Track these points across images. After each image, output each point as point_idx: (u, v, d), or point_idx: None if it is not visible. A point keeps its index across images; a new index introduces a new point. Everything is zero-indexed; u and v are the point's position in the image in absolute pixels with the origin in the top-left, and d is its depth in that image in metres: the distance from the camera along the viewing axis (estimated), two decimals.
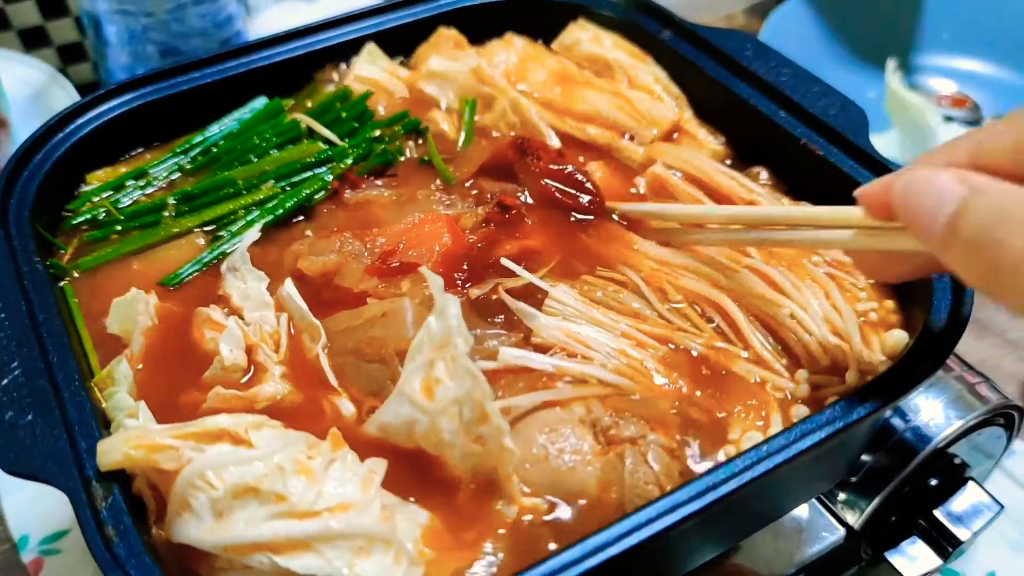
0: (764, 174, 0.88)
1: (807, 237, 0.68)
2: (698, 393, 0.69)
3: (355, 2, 1.02)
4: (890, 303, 0.74)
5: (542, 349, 0.70)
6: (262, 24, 1.43)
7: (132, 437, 0.56)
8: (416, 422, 0.59)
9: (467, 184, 0.86)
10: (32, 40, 1.42)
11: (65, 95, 1.26)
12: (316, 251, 0.76)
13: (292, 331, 0.71)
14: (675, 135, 0.93)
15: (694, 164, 0.87)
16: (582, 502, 0.60)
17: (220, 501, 0.53)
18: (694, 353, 0.71)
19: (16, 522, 0.95)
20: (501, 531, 0.59)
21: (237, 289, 0.73)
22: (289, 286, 0.70)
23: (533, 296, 0.74)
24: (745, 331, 0.73)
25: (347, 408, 0.66)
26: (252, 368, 0.68)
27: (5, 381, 0.60)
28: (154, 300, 0.72)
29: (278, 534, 0.53)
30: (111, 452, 0.56)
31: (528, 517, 0.60)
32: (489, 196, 0.83)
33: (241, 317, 0.71)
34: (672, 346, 0.71)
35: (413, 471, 0.61)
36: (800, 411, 0.68)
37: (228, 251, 0.78)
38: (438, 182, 0.87)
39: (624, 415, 0.64)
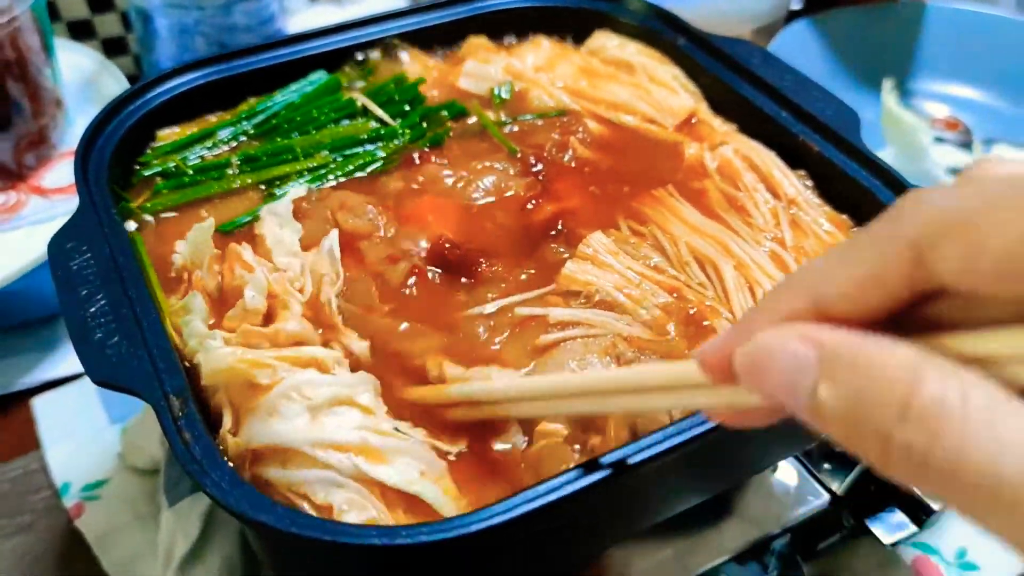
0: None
1: (660, 403, 0.54)
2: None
3: (380, 6, 1.09)
4: None
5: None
6: (297, 23, 1.51)
7: (239, 352, 0.63)
8: None
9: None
10: (78, 32, 1.50)
11: (115, 82, 1.33)
12: (353, 212, 0.83)
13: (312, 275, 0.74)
14: (693, 120, 1.00)
15: (758, 152, 0.93)
16: (600, 427, 0.66)
17: (317, 408, 0.61)
18: (691, 301, 0.77)
19: (58, 471, 1.01)
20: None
21: (272, 232, 0.78)
22: (334, 236, 0.76)
23: (574, 239, 0.82)
24: (732, 297, 0.78)
25: (358, 345, 0.70)
26: (271, 313, 0.71)
27: (93, 309, 0.67)
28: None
29: (366, 441, 0.60)
30: (220, 361, 0.63)
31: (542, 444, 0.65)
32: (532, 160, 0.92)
33: (270, 260, 0.75)
34: (675, 295, 0.77)
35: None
36: None
37: None
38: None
39: (646, 352, 0.71)
